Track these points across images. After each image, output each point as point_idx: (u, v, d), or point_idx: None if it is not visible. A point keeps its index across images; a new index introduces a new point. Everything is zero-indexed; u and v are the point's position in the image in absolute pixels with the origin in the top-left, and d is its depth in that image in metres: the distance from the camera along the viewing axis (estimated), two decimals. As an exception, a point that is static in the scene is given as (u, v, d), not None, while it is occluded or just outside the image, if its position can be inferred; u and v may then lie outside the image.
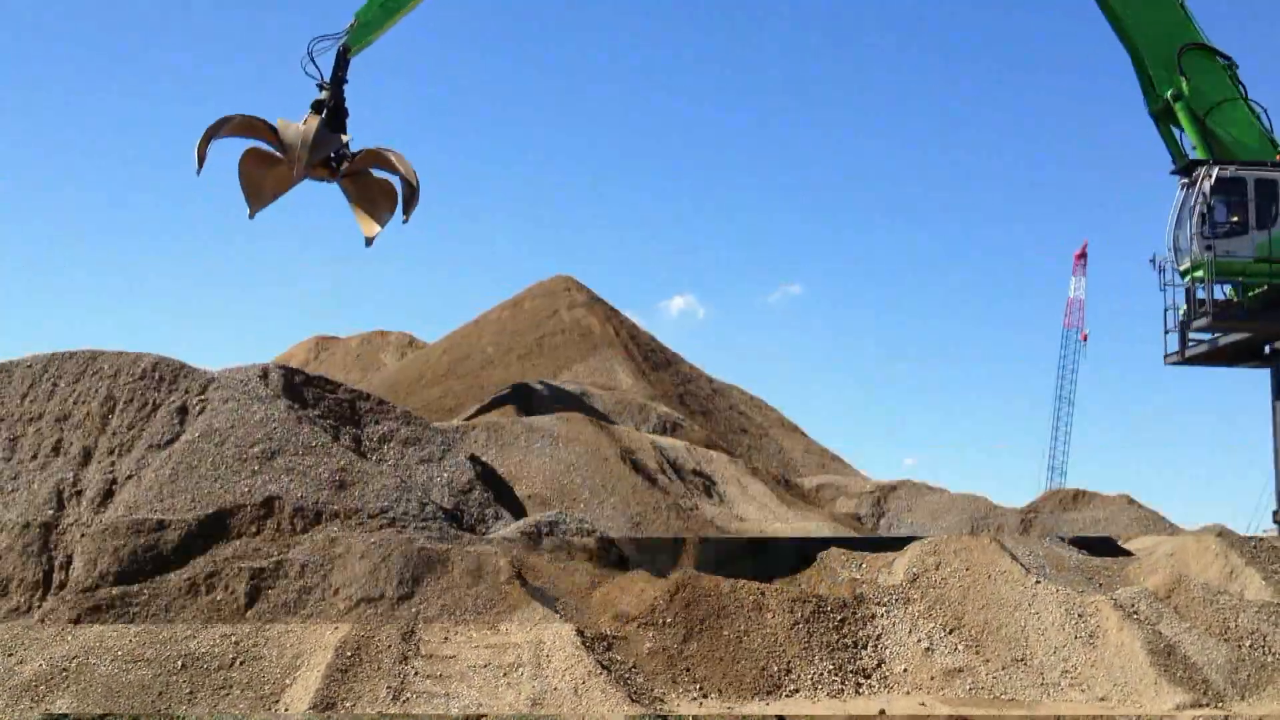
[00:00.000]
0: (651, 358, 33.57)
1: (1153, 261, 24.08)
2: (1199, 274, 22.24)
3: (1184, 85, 22.66)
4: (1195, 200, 22.08)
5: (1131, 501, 22.85)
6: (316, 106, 17.72)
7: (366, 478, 11.95)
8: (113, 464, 11.76)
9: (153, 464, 11.61)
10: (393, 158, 18.36)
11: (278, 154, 16.95)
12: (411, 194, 18.11)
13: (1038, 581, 10.29)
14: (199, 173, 16.50)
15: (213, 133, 16.48)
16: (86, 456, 11.82)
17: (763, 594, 9.67)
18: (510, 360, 32.38)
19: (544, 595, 9.64)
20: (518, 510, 14.06)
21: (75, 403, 12.34)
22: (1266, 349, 24.95)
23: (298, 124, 17.28)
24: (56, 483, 11.32)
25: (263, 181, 17.06)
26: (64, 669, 9.39)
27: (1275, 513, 24.99)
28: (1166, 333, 25.02)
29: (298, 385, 13.59)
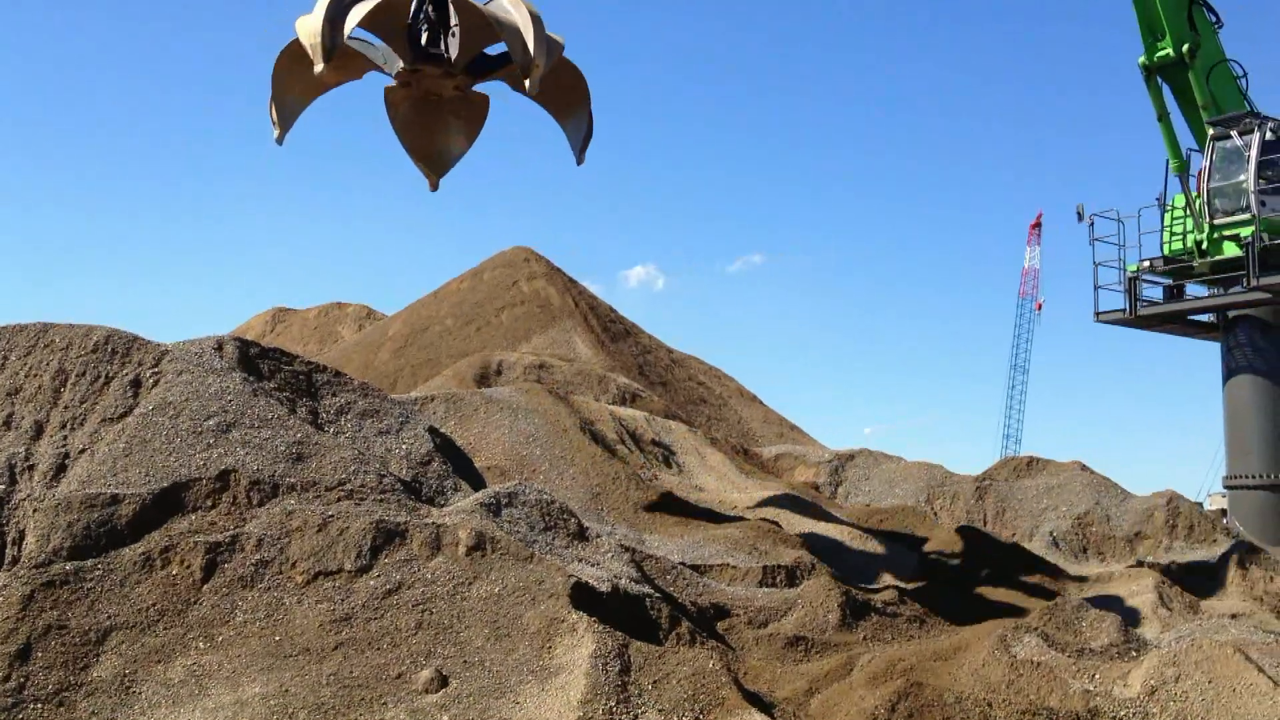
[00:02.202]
0: (611, 329, 33.60)
1: (1080, 214, 24.23)
2: (1246, 231, 22.26)
3: (1195, 40, 22.67)
4: (1256, 151, 22.01)
5: (1085, 468, 23.18)
6: None
7: (323, 450, 11.88)
8: (65, 438, 11.62)
9: (106, 438, 11.49)
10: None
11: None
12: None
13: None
14: (281, 140, 13.43)
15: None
16: (38, 430, 11.67)
17: (990, 705, 9.40)
18: (469, 332, 32.32)
19: (760, 700, 9.50)
20: (477, 482, 14.04)
21: (26, 376, 12.16)
22: (1218, 320, 25.28)
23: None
24: (8, 457, 11.18)
25: (295, 87, 13.35)
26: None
27: (1225, 478, 25.47)
28: (1097, 289, 25.26)
29: (253, 357, 13.47)
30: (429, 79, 13.36)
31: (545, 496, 12.27)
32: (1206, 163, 23.35)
